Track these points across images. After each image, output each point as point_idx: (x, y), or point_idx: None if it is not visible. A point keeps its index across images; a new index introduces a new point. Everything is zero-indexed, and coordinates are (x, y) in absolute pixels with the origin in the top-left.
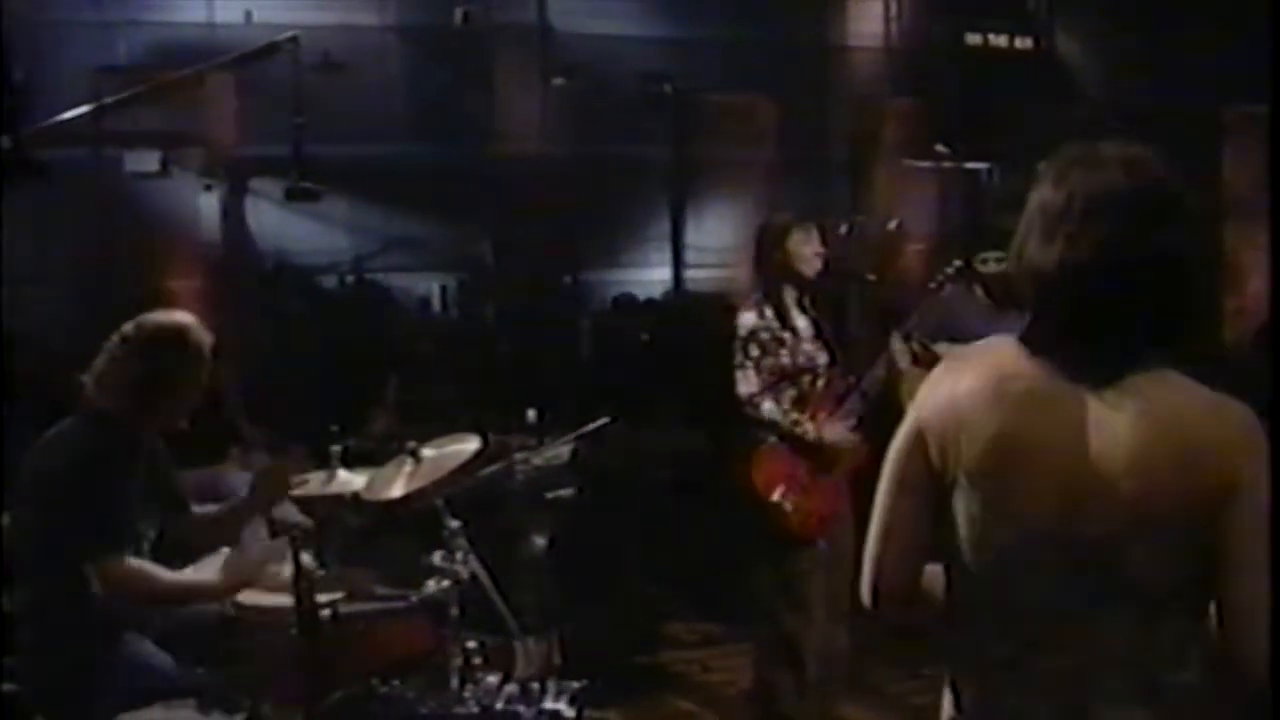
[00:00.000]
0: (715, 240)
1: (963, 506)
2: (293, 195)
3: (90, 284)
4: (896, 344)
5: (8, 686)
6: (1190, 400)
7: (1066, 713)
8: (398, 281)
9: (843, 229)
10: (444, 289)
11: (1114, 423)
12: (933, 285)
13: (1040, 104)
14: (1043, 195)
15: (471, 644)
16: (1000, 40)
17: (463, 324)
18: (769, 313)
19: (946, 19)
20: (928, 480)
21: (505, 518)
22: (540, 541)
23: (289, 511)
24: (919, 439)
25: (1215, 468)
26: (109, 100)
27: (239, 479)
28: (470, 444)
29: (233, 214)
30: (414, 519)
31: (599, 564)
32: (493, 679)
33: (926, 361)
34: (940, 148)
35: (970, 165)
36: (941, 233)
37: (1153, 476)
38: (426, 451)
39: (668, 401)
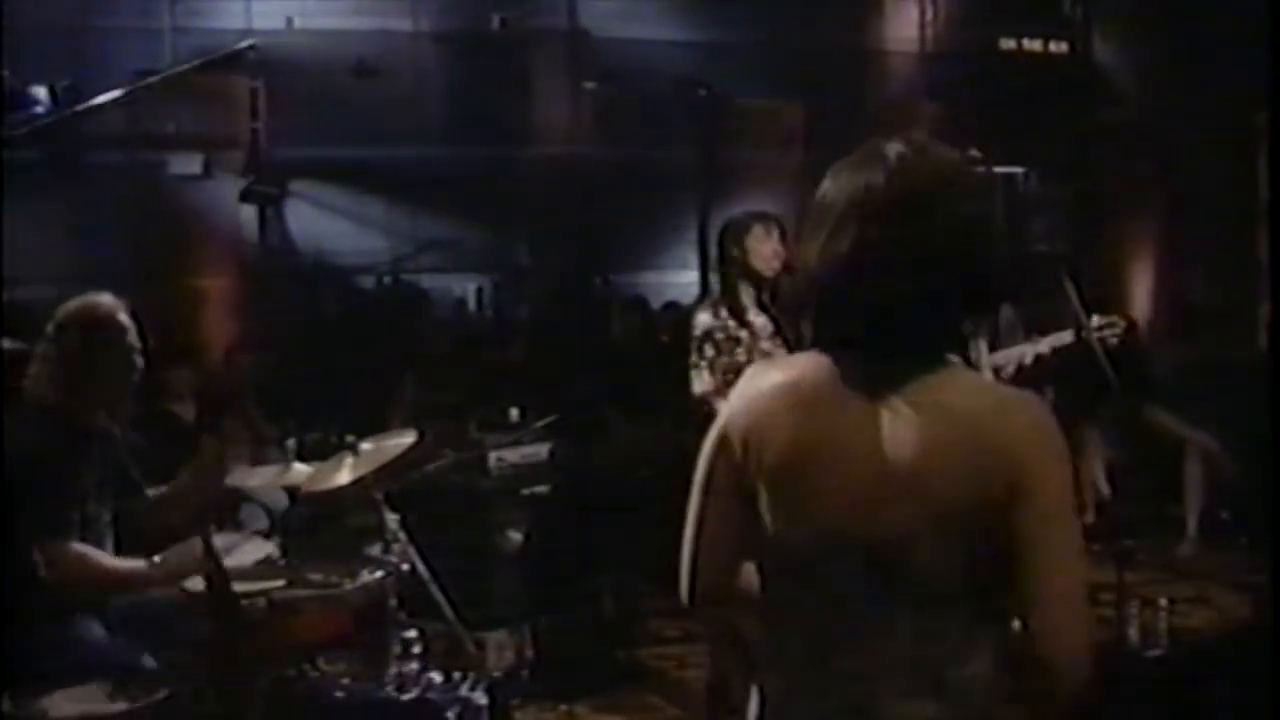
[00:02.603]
0: None
1: (765, 508)
2: (247, 197)
3: (132, 283)
4: None
5: None
6: (980, 399)
7: (858, 711)
8: (433, 283)
9: None
10: (479, 290)
11: (905, 423)
12: None
13: (1075, 108)
14: (818, 194)
15: (410, 633)
16: (1035, 45)
17: (489, 325)
18: (724, 312)
19: (981, 24)
20: (734, 482)
21: (483, 514)
22: (516, 537)
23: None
24: (724, 441)
25: (1003, 466)
26: (86, 104)
27: (244, 474)
28: (407, 438)
29: (272, 215)
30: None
31: (577, 559)
32: (414, 666)
33: None
34: (974, 152)
35: (1004, 170)
36: None
37: (944, 476)
38: (364, 445)
39: (675, 401)
